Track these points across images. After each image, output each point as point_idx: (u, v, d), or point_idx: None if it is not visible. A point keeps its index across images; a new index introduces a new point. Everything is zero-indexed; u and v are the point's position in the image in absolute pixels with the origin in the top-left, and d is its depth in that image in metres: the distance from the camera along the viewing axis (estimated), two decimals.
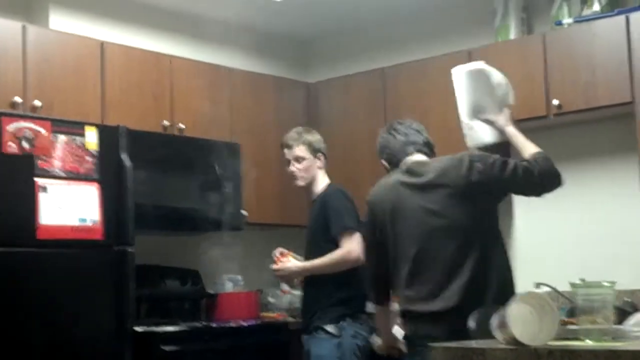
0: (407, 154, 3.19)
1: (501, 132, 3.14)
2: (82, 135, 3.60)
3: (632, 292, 3.91)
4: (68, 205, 3.49)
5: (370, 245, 3.27)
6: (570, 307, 2.59)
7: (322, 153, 3.92)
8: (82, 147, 3.59)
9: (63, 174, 3.51)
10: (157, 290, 4.32)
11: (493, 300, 2.89)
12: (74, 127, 3.59)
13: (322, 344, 3.69)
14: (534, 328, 2.04)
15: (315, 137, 3.93)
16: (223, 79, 4.70)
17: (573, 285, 2.15)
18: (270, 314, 4.56)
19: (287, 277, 3.90)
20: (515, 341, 2.03)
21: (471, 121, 3.19)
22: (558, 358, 1.93)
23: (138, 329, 3.67)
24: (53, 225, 3.43)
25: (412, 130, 3.25)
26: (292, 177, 3.86)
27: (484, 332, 2.31)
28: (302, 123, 4.88)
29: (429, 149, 3.26)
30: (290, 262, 3.83)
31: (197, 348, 3.88)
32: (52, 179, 3.47)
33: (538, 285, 3.58)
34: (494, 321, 2.15)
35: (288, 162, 3.87)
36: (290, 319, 4.35)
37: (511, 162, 3.01)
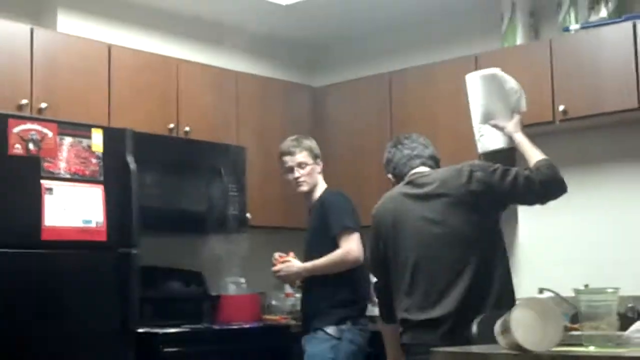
0: (412, 167, 3.22)
1: (510, 138, 3.15)
2: (88, 137, 3.61)
3: (636, 298, 3.90)
4: (73, 207, 3.50)
5: (374, 259, 3.27)
6: (574, 313, 2.58)
7: (320, 159, 3.93)
8: (88, 149, 3.60)
9: (68, 176, 3.52)
10: (161, 291, 4.32)
11: (491, 309, 2.90)
12: (80, 130, 3.60)
13: (318, 344, 3.68)
14: (537, 334, 2.04)
15: (313, 143, 3.95)
16: (229, 82, 4.71)
17: (577, 291, 2.14)
18: (273, 317, 4.56)
19: (288, 277, 3.87)
20: (518, 347, 2.03)
21: (482, 127, 3.20)
22: None
23: (140, 330, 3.68)
24: (58, 227, 3.44)
25: (418, 144, 3.27)
26: (296, 183, 3.86)
27: (487, 337, 2.31)
28: (308, 127, 4.91)
29: (434, 162, 3.28)
30: (291, 262, 3.83)
31: (199, 350, 3.88)
32: (57, 180, 3.48)
33: (541, 290, 3.59)
34: (497, 327, 2.14)
35: (289, 170, 3.86)
36: (292, 322, 4.35)
37: (512, 170, 3.00)
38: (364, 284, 3.82)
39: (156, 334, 3.79)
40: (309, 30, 5.23)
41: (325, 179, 4.10)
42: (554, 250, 4.47)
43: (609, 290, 2.12)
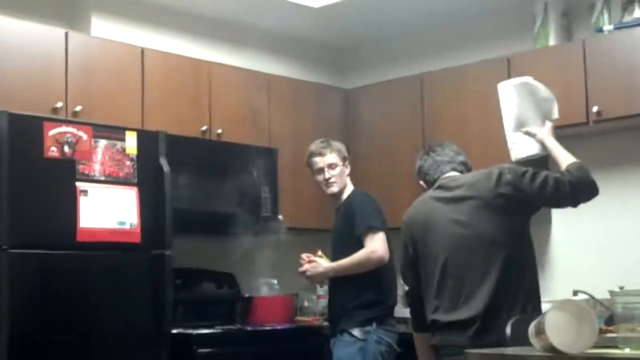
0: (443, 173, 3.25)
1: (543, 145, 3.15)
2: (123, 140, 3.65)
3: None
4: (107, 209, 3.54)
5: (404, 265, 3.30)
6: (609, 315, 2.56)
7: (348, 161, 3.95)
8: (122, 151, 3.63)
9: (103, 178, 3.55)
10: (194, 293, 4.35)
11: (518, 311, 2.91)
12: (115, 132, 3.63)
13: (345, 347, 3.68)
14: (572, 336, 2.03)
15: (342, 146, 3.98)
16: (261, 85, 4.73)
17: (612, 293, 2.13)
18: (306, 318, 4.57)
19: (315, 277, 3.88)
20: (552, 349, 2.02)
21: (515, 135, 3.21)
22: None
23: (174, 331, 3.71)
24: (93, 229, 3.48)
25: (450, 150, 3.31)
26: (327, 184, 3.87)
27: (521, 339, 2.30)
28: (340, 129, 4.92)
29: (465, 168, 3.31)
30: (317, 262, 3.83)
31: (232, 351, 3.91)
32: (92, 182, 3.52)
33: (576, 293, 3.56)
34: (531, 328, 2.14)
35: (319, 171, 3.88)
36: (325, 324, 4.35)
37: (542, 173, 3.01)
38: (390, 284, 3.82)
39: (190, 334, 3.81)
40: (340, 32, 5.24)
41: (356, 180, 4.10)
42: (588, 253, 4.43)
43: None
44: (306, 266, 3.84)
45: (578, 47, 4.26)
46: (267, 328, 4.19)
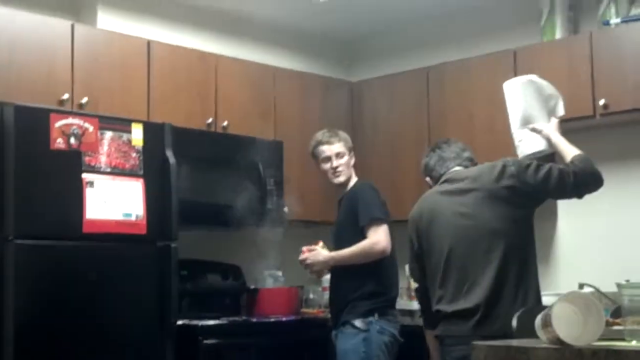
0: (448, 168, 3.29)
1: (549, 141, 3.16)
2: (129, 132, 3.65)
3: None
4: (113, 200, 3.54)
5: (412, 261, 3.35)
6: (615, 308, 2.56)
7: (353, 152, 3.95)
8: (128, 143, 3.64)
9: (109, 170, 3.56)
10: (199, 284, 4.36)
11: (521, 302, 2.94)
12: (121, 124, 3.64)
13: (348, 339, 3.68)
14: (579, 328, 2.03)
15: (347, 136, 3.98)
16: (267, 77, 4.72)
17: (619, 285, 2.13)
18: (311, 310, 4.58)
19: (315, 266, 3.85)
20: (559, 341, 2.02)
21: (521, 132, 3.24)
22: (602, 358, 1.91)
23: (179, 322, 3.71)
24: (98, 220, 3.49)
25: (455, 147, 3.35)
26: (334, 173, 3.87)
27: (527, 331, 2.30)
28: (346, 122, 4.92)
29: (470, 163, 3.34)
30: (317, 250, 3.83)
31: (238, 342, 3.92)
32: (98, 174, 3.52)
33: (581, 285, 3.56)
34: (538, 321, 2.14)
35: (326, 160, 3.87)
36: (330, 316, 4.36)
37: (547, 165, 3.04)
38: (392, 276, 3.82)
39: (195, 326, 3.82)
40: (347, 25, 5.23)
41: (361, 172, 4.10)
42: (593, 246, 4.43)
43: None
44: (306, 254, 3.83)
45: (585, 40, 4.25)
46: (272, 320, 4.20)
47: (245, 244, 4.40)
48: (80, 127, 3.50)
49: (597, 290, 3.35)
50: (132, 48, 4.17)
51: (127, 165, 3.62)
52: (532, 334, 2.17)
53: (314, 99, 4.95)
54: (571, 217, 4.52)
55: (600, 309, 2.05)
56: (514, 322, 2.74)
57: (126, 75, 4.11)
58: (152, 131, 3.74)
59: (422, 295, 3.30)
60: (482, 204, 3.09)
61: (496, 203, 3.07)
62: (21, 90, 3.67)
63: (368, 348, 3.65)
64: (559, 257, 4.55)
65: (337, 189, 3.93)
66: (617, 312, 2.34)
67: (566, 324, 2.03)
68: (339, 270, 3.81)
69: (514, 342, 2.25)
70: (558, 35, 4.46)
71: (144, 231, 3.62)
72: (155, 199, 3.67)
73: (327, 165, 3.88)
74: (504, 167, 3.09)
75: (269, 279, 4.57)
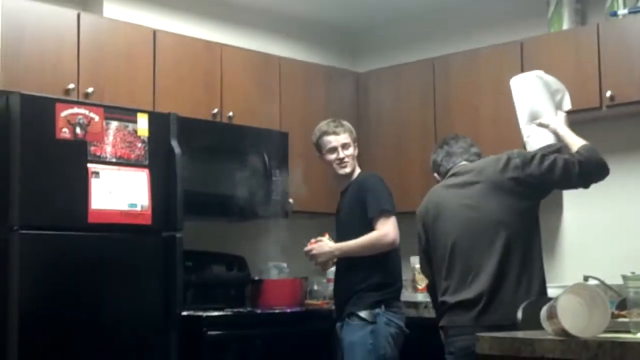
0: (455, 164, 3.32)
1: (556, 135, 3.18)
2: (134, 122, 3.65)
3: None
4: (119, 191, 3.54)
5: (422, 257, 3.39)
6: (621, 300, 2.56)
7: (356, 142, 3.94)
8: (134, 133, 3.64)
9: (114, 160, 3.56)
10: (204, 275, 4.36)
11: (524, 293, 2.95)
12: (126, 114, 3.63)
13: (355, 331, 3.66)
14: (584, 320, 2.03)
15: (351, 126, 3.94)
16: (273, 67, 4.71)
17: (625, 277, 2.12)
18: (315, 302, 4.58)
19: (320, 257, 3.81)
20: (564, 333, 2.02)
21: (529, 128, 3.27)
22: (608, 350, 1.91)
23: (184, 313, 3.72)
24: (104, 210, 3.49)
25: (463, 143, 3.38)
26: (340, 163, 3.84)
27: (532, 323, 2.30)
28: (351, 112, 4.91)
29: (478, 158, 3.38)
30: (324, 241, 3.81)
31: (241, 333, 3.92)
32: (103, 164, 3.52)
33: (587, 278, 3.56)
34: (543, 312, 2.13)
35: (332, 150, 3.84)
36: (334, 307, 4.36)
37: (552, 156, 3.06)
38: (397, 267, 3.82)
39: (200, 317, 3.82)
40: (353, 14, 5.22)
41: (366, 164, 4.09)
42: (599, 238, 4.41)
43: None
44: (312, 245, 3.82)
45: (592, 31, 4.23)
46: (277, 311, 4.20)
47: (250, 235, 4.40)
48: (85, 116, 3.50)
49: (602, 282, 3.35)
50: (137, 37, 4.16)
51: (133, 156, 3.62)
52: (538, 326, 2.17)
53: (319, 89, 4.94)
54: (577, 209, 4.50)
55: (605, 301, 2.05)
56: (519, 314, 2.75)
57: (132, 65, 4.11)
58: (158, 121, 3.73)
59: (432, 290, 3.31)
60: (486, 195, 3.11)
61: (501, 194, 3.08)
62: (27, 79, 3.67)
63: (375, 340, 3.64)
64: (564, 249, 4.54)
65: (340, 179, 3.91)
66: (623, 304, 2.34)
67: (572, 315, 2.03)
68: (345, 262, 3.79)
69: (519, 334, 2.25)
70: (565, 26, 4.44)
71: (149, 221, 3.61)
72: (160, 189, 3.67)
73: (332, 156, 3.85)
74: (509, 159, 3.11)
75: (274, 270, 4.57)
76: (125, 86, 4.04)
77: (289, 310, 4.24)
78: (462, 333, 3.01)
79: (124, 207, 3.55)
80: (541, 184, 3.08)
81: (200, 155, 4.11)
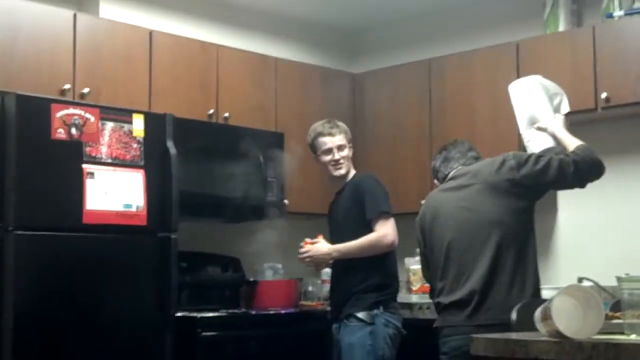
0: (453, 168, 3.34)
1: (553, 137, 3.20)
2: (130, 122, 3.64)
3: None
4: (114, 191, 3.54)
5: (422, 261, 3.41)
6: (615, 302, 2.56)
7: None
8: (129, 134, 3.63)
9: (110, 160, 3.55)
10: (199, 276, 4.36)
11: (517, 294, 2.97)
12: (122, 115, 3.63)
13: (354, 332, 3.66)
14: (578, 321, 2.03)
15: (346, 127, 3.93)
16: (269, 69, 4.71)
17: (619, 278, 2.12)
18: (310, 303, 4.58)
19: (317, 259, 3.80)
20: (558, 334, 2.02)
21: (528, 132, 3.30)
22: (602, 352, 1.91)
23: (178, 314, 3.71)
24: (99, 211, 3.48)
25: (461, 147, 3.40)
26: (336, 165, 3.84)
27: (527, 324, 2.30)
28: (347, 113, 4.91)
29: (475, 161, 3.39)
30: (321, 243, 3.80)
31: (236, 334, 3.91)
32: (99, 165, 3.52)
33: (581, 279, 3.57)
34: (538, 314, 2.13)
35: (327, 151, 3.83)
36: (329, 308, 4.36)
37: (547, 156, 3.08)
38: (394, 268, 3.82)
39: (194, 318, 3.82)
40: (349, 15, 5.22)
41: (362, 165, 4.09)
42: (593, 240, 4.42)
43: None
44: (309, 246, 3.80)
45: (588, 33, 4.23)
46: (271, 312, 4.20)
47: (245, 236, 4.40)
48: (81, 117, 3.49)
49: (596, 284, 3.35)
50: (134, 38, 4.16)
51: (128, 156, 3.62)
52: (532, 327, 2.17)
53: (315, 90, 4.94)
54: (571, 210, 4.51)
55: (600, 303, 2.05)
56: (514, 315, 2.75)
57: (128, 66, 4.10)
58: (153, 122, 3.73)
59: (432, 294, 3.33)
60: (482, 196, 3.14)
61: (495, 194, 3.10)
62: (23, 79, 3.67)
63: (374, 341, 3.64)
64: (558, 250, 4.55)
65: (335, 180, 3.90)
66: (617, 306, 2.34)
67: (566, 317, 2.03)
68: (343, 263, 3.78)
69: (514, 335, 2.25)
70: (561, 27, 4.45)
71: (144, 222, 3.61)
72: (155, 190, 3.66)
73: (327, 157, 3.84)
74: (504, 160, 3.14)
75: (269, 271, 4.57)
76: (121, 87, 4.04)
77: (283, 312, 4.24)
78: (455, 333, 3.03)
79: (119, 207, 3.54)
80: (536, 184, 3.10)
81: (196, 156, 4.11)
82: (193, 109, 4.27)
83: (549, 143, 3.22)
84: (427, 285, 3.53)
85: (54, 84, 3.79)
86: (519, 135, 3.42)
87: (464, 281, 3.08)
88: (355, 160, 3.98)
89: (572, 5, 4.48)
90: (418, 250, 3.42)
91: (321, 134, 3.85)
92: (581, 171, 3.04)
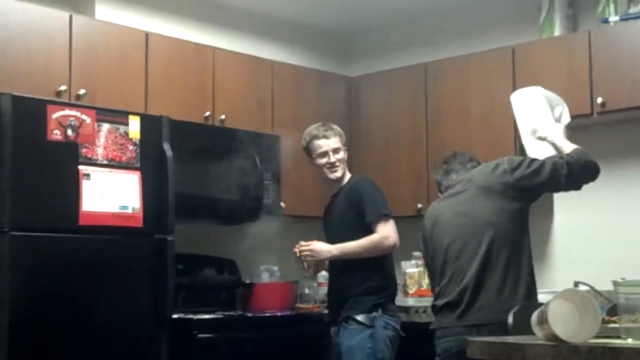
0: (453, 179, 3.38)
1: (554, 145, 3.23)
2: (126, 124, 3.64)
3: None
4: (110, 193, 3.53)
5: (427, 271, 3.46)
6: (611, 306, 2.57)
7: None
8: (125, 135, 3.63)
9: (106, 162, 3.55)
10: (195, 278, 4.36)
11: (506, 293, 3.02)
12: (118, 116, 3.62)
13: (354, 335, 3.65)
14: (575, 325, 2.03)
15: (341, 130, 3.93)
16: (265, 71, 4.72)
17: (616, 283, 2.13)
18: (306, 306, 4.58)
19: (319, 255, 3.75)
20: (555, 338, 2.02)
21: (530, 142, 3.33)
22: (599, 356, 1.91)
23: (174, 316, 3.71)
24: (95, 212, 3.48)
25: (461, 159, 3.44)
26: (331, 167, 3.83)
27: (523, 327, 2.31)
28: (343, 117, 4.91)
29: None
30: (321, 242, 3.78)
31: (232, 336, 3.91)
32: (95, 166, 3.51)
33: (577, 284, 3.57)
34: (534, 317, 2.14)
35: (323, 154, 3.83)
36: (325, 311, 4.36)
37: (541, 159, 3.08)
38: (392, 271, 3.82)
39: (190, 320, 3.82)
40: (345, 19, 5.22)
41: (357, 168, 4.09)
42: (589, 244, 4.43)
43: None
44: (308, 247, 3.75)
45: (583, 38, 4.25)
46: (267, 314, 4.20)
47: (242, 238, 4.40)
48: (77, 118, 3.49)
49: (593, 288, 3.36)
50: (130, 40, 4.16)
51: (124, 158, 3.61)
52: (528, 331, 2.17)
53: (311, 93, 4.94)
54: (567, 215, 4.52)
55: (596, 307, 2.06)
56: (510, 319, 2.76)
57: (124, 67, 4.10)
58: (149, 124, 3.72)
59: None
60: (476, 200, 3.18)
61: (489, 197, 3.15)
62: (18, 80, 3.66)
63: (374, 344, 3.63)
64: (554, 255, 4.56)
65: (330, 183, 3.90)
66: (613, 310, 2.35)
67: (563, 321, 2.03)
68: (341, 264, 3.76)
69: (510, 339, 2.25)
70: (557, 32, 4.46)
71: (140, 224, 3.60)
72: (151, 192, 3.66)
73: (323, 160, 3.84)
74: (497, 165, 3.19)
75: (265, 273, 4.56)
76: (117, 88, 4.03)
77: (279, 314, 4.23)
78: (447, 334, 3.08)
79: (115, 209, 3.54)
80: (530, 186, 3.13)
81: (192, 158, 4.11)
82: (189, 111, 4.27)
83: (550, 152, 3.25)
84: (423, 288, 3.56)
85: (50, 85, 3.79)
86: (515, 139, 3.45)
87: (457, 282, 3.12)
88: (350, 163, 3.98)
89: (568, 10, 4.49)
90: (422, 262, 3.46)
91: (316, 137, 3.85)
92: (575, 172, 3.06)
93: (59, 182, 3.42)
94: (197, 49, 4.45)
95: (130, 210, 3.58)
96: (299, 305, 4.58)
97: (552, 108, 3.34)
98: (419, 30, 5.21)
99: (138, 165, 3.64)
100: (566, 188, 3.19)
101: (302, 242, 3.81)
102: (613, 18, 4.24)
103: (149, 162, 3.68)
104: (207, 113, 4.39)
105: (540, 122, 3.30)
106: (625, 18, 4.19)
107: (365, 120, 5.07)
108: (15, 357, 3.25)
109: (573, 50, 4.27)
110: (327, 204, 3.95)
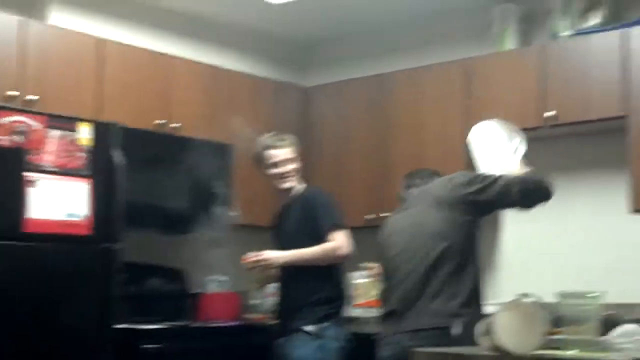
0: (412, 193, 3.41)
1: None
2: (76, 131, 3.59)
3: (618, 306, 3.89)
4: (57, 200, 3.47)
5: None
6: (555, 317, 2.58)
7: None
8: (75, 142, 3.57)
9: (54, 169, 3.49)
10: (142, 288, 4.30)
11: (442, 302, 3.04)
12: (68, 123, 3.57)
13: (303, 346, 3.63)
14: (519, 336, 2.04)
15: (295, 140, 3.90)
16: (221, 80, 4.69)
17: (560, 295, 2.14)
18: (254, 316, 4.55)
19: (272, 262, 3.71)
20: (500, 348, 2.03)
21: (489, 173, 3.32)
22: None
23: (119, 326, 3.64)
24: (40, 220, 3.41)
25: (423, 174, 3.48)
26: (283, 178, 3.81)
27: (468, 338, 2.31)
28: (298, 127, 4.89)
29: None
30: (269, 251, 3.74)
31: (179, 347, 3.84)
32: (42, 173, 3.45)
33: (523, 295, 3.60)
34: (480, 328, 2.14)
35: (274, 165, 3.80)
36: (273, 321, 4.32)
37: (496, 176, 3.10)
38: (342, 281, 3.81)
39: (135, 330, 3.75)
40: (301, 29, 5.23)
41: (311, 178, 4.07)
42: (536, 256, 4.48)
43: (591, 295, 2.12)
44: (259, 256, 3.70)
45: (535, 52, 4.30)
46: (214, 325, 4.15)
47: (191, 248, 4.36)
48: (26, 124, 3.43)
49: (538, 300, 3.39)
50: (84, 46, 4.11)
51: (74, 165, 3.56)
52: (473, 342, 2.17)
53: (266, 102, 4.93)
54: (515, 227, 4.56)
55: (541, 318, 2.07)
56: (459, 329, 2.76)
57: (77, 74, 4.05)
58: (101, 131, 3.67)
59: None
60: (428, 211, 3.20)
61: (441, 209, 3.16)
62: None
63: (323, 355, 3.62)
64: (501, 266, 4.59)
65: (281, 193, 3.88)
66: (558, 322, 2.36)
67: (508, 331, 2.04)
68: (293, 273, 3.73)
69: (454, 350, 2.25)
70: (509, 46, 4.51)
71: (88, 232, 3.55)
72: (101, 199, 3.61)
73: (275, 170, 3.81)
74: (452, 178, 3.22)
75: (213, 283, 4.51)
76: (70, 94, 3.98)
77: (225, 324, 4.19)
78: (386, 343, 3.12)
79: (62, 217, 3.48)
80: (481, 200, 3.13)
81: (144, 165, 4.06)
82: (144, 119, 4.23)
83: None
84: (370, 299, 3.57)
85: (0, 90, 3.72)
86: (467, 152, 3.45)
87: (400, 291, 3.15)
88: (303, 173, 3.96)
89: (521, 25, 4.54)
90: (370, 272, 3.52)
91: (268, 147, 3.83)
92: (526, 190, 3.07)
93: (3, 189, 3.35)
94: (153, 56, 4.41)
95: (78, 218, 3.53)
96: (247, 315, 4.54)
97: (509, 139, 3.36)
98: (376, 42, 5.23)
99: (88, 172, 3.59)
100: (517, 203, 3.17)
101: (250, 254, 3.76)
102: (565, 33, 4.29)
103: (99, 169, 3.63)
104: (162, 121, 4.34)
105: (499, 153, 3.32)
106: (576, 33, 4.25)
107: (319, 130, 5.06)
108: None
109: (526, 64, 4.31)
110: (278, 213, 3.93)
